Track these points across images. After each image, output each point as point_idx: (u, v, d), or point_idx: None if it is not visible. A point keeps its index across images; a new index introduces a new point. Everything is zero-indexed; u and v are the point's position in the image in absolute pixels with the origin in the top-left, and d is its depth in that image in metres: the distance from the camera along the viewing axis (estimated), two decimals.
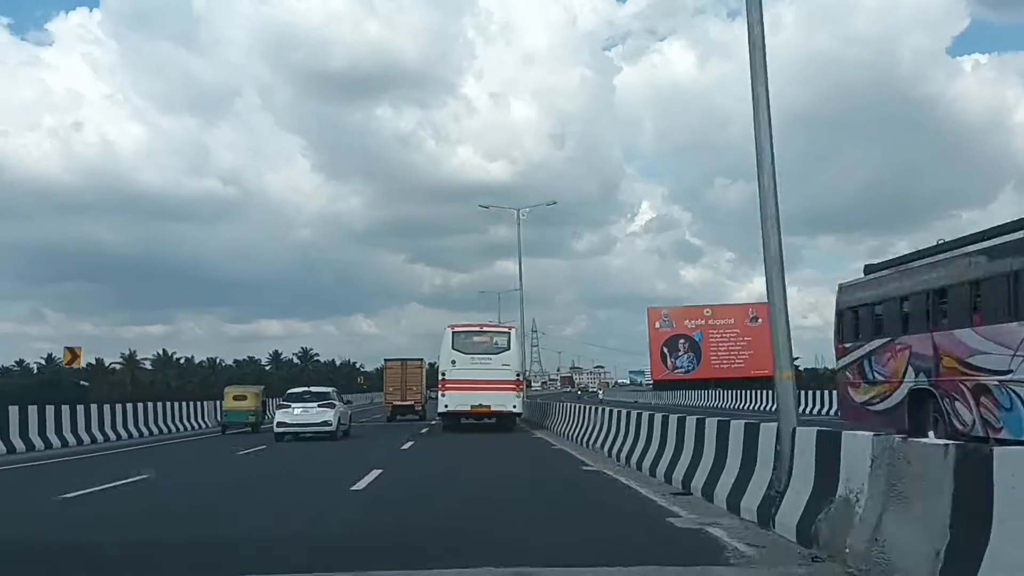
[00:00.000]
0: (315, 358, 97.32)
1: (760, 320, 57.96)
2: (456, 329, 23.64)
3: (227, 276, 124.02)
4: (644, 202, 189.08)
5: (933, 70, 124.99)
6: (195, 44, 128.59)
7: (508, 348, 23.60)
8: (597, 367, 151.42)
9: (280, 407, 21.36)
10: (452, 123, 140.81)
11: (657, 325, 63.65)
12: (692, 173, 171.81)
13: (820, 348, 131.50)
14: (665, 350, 62.27)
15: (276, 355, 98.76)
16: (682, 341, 62.00)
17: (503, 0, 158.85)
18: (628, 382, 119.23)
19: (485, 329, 24.15)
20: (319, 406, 20.54)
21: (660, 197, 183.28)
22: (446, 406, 22.87)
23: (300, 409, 20.43)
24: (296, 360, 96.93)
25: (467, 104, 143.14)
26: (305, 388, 22.33)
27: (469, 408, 22.93)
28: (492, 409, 23.08)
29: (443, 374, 23.04)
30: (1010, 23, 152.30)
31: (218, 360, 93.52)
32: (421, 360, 34.17)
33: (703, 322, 63.23)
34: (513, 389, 23.33)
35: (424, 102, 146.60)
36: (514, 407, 23.38)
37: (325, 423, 20.23)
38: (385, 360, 35.06)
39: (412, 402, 32.21)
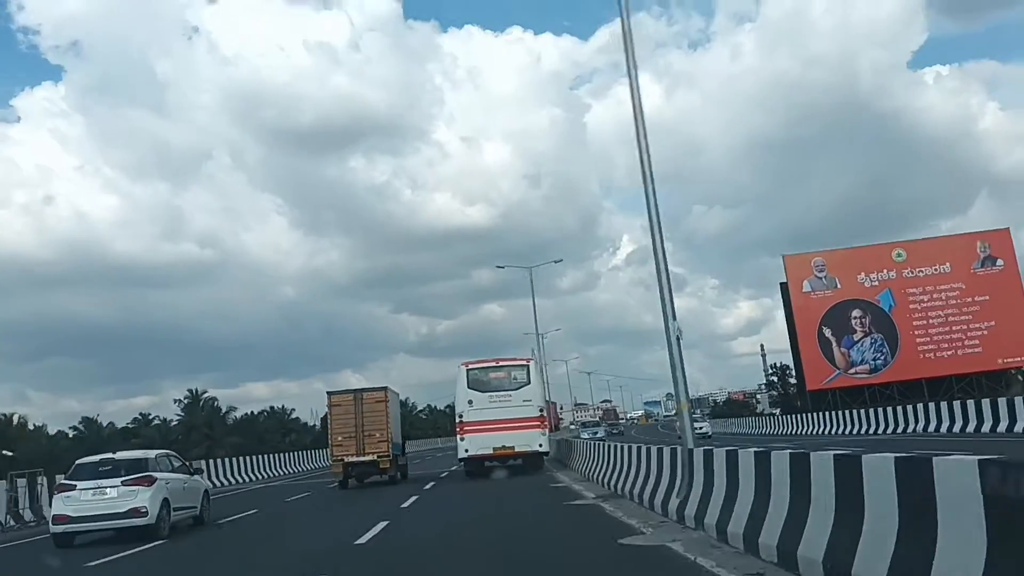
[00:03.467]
0: (292, 415, 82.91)
1: (1001, 263, 40.62)
2: (471, 366, 22.26)
3: (210, 340, 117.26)
4: (624, 235, 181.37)
5: (895, 85, 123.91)
6: (162, 109, 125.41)
7: (528, 382, 21.89)
8: (604, 401, 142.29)
9: (60, 488, 13.30)
10: (427, 170, 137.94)
11: (806, 287, 42.25)
12: (669, 203, 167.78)
13: None
14: (826, 332, 41.59)
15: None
16: (857, 313, 41.41)
17: (467, 45, 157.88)
18: (642, 413, 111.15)
19: (501, 364, 22.47)
20: (124, 483, 12.85)
21: (640, 229, 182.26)
22: (467, 451, 21.67)
23: (92, 491, 12.82)
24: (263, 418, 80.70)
25: (440, 150, 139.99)
26: (107, 456, 14.05)
27: (492, 451, 21.56)
28: (516, 450, 21.59)
29: (460, 416, 21.86)
30: (967, 33, 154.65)
31: None
32: (384, 391, 22.59)
33: (892, 273, 41.11)
34: (537, 426, 21.61)
35: (397, 150, 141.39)
36: (540, 446, 21.70)
37: (135, 512, 12.63)
38: (328, 395, 22.63)
39: (374, 456, 21.54)
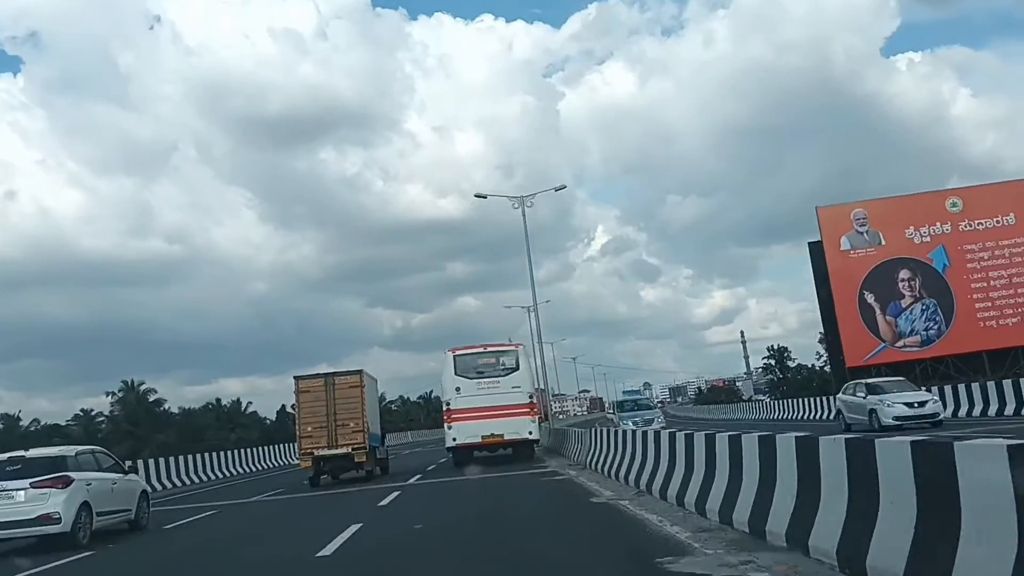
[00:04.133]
0: (248, 409, 75.89)
1: None
2: (457, 352, 21.62)
3: (182, 337, 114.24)
4: (599, 226, 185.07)
5: (869, 71, 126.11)
6: (126, 101, 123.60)
7: (517, 368, 21.20)
8: (582, 391, 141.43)
9: None
10: (398, 161, 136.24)
11: (844, 244, 36.28)
12: (643, 193, 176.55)
13: None
14: (868, 297, 35.96)
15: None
16: (905, 274, 35.79)
17: (437, 33, 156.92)
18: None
19: (489, 349, 21.79)
20: (34, 485, 11.41)
21: (614, 219, 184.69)
22: (454, 439, 21.10)
23: None
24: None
25: (412, 140, 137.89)
26: (15, 454, 12.52)
27: (480, 439, 20.97)
28: (506, 439, 20.98)
29: (447, 404, 21.28)
30: (939, 19, 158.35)
31: None
32: (359, 375, 20.21)
33: (947, 226, 35.51)
34: (527, 413, 20.92)
35: (368, 141, 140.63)
36: (530, 433, 21.02)
37: (45, 518, 11.29)
38: (295, 380, 20.25)
39: (348, 448, 19.31)
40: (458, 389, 21.17)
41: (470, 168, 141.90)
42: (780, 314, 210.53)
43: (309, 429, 19.56)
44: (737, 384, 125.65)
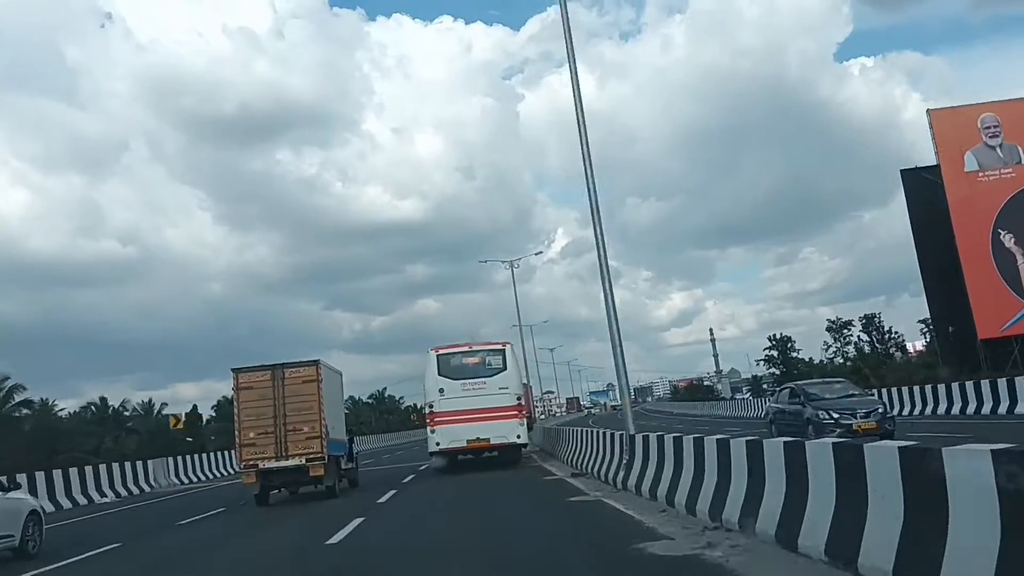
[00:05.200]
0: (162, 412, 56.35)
1: None
2: (441, 352, 20.29)
3: (136, 340, 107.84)
4: (559, 228, 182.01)
5: (822, 76, 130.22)
6: (74, 99, 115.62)
7: (504, 368, 19.95)
8: (547, 392, 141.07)
9: None
10: (357, 162, 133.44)
11: (970, 163, 27.13)
12: (603, 194, 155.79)
13: (738, 360, 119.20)
14: (1005, 239, 26.96)
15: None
16: None
17: (396, 34, 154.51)
18: (591, 405, 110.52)
19: (475, 348, 20.42)
20: None
21: (574, 221, 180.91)
22: (437, 444, 19.79)
23: None
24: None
25: (371, 141, 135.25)
26: None
27: (465, 443, 19.65)
28: (492, 443, 19.69)
29: (431, 406, 19.93)
30: (891, 25, 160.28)
31: None
32: (315, 366, 16.11)
33: None
34: (515, 416, 19.68)
35: (326, 142, 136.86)
36: (518, 437, 19.75)
37: None
38: (234, 373, 16.06)
39: (301, 460, 15.49)
40: (441, 391, 19.89)
41: (430, 170, 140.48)
42: (737, 316, 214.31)
43: (251, 436, 15.54)
44: (706, 382, 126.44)
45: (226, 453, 33.28)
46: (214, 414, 63.08)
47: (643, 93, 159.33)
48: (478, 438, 19.46)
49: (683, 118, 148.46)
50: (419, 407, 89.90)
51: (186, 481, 29.91)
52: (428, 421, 19.90)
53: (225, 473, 32.30)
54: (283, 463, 15.53)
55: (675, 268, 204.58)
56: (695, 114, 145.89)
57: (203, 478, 31.37)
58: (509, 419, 19.50)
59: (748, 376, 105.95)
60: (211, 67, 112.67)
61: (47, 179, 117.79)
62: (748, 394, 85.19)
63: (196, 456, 32.97)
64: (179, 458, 31.13)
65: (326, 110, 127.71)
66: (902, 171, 31.97)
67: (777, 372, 79.04)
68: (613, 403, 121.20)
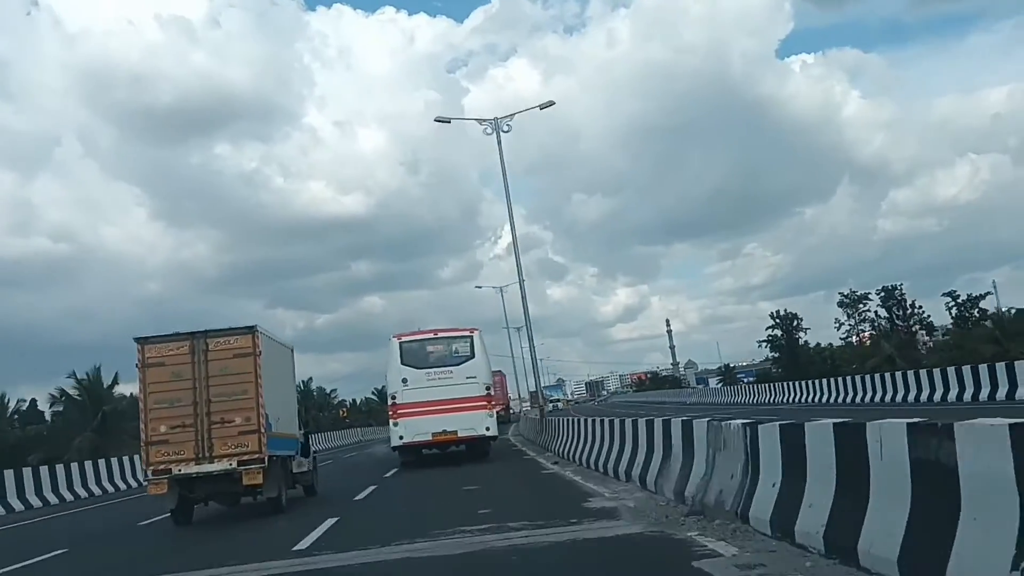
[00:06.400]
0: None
1: None
2: (404, 339, 19.21)
3: (70, 341, 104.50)
4: (505, 224, 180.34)
5: (764, 73, 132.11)
6: (2, 92, 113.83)
7: (472, 356, 18.97)
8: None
9: None
10: (299, 156, 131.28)
11: None
12: (549, 191, 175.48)
13: (683, 354, 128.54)
14: None
15: None
16: None
17: (337, 24, 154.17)
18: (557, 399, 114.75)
19: (441, 335, 19.39)
20: None
21: (520, 218, 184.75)
22: (401, 437, 18.71)
23: None
24: None
25: (312, 135, 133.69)
26: None
27: (431, 437, 18.64)
28: (459, 435, 18.69)
29: (393, 397, 18.84)
30: (832, 23, 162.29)
31: None
32: (252, 333, 12.15)
33: None
34: (484, 407, 18.76)
35: (266, 136, 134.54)
36: (487, 429, 18.82)
37: None
38: (138, 344, 12.13)
39: (231, 462, 11.74)
40: (404, 381, 18.76)
41: (374, 164, 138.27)
42: (681, 311, 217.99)
43: (163, 430, 11.67)
44: (661, 374, 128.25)
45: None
46: None
47: (588, 88, 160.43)
48: (444, 431, 18.48)
49: (628, 113, 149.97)
50: (357, 403, 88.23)
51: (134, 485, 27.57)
52: (391, 413, 18.84)
53: None
54: (206, 467, 11.67)
55: (621, 264, 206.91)
56: (640, 110, 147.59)
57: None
58: (477, 410, 18.58)
59: (718, 366, 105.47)
60: (144, 58, 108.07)
61: None
62: (718, 384, 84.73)
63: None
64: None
65: (266, 103, 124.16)
66: None
67: (774, 357, 67.46)
68: (570, 399, 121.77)
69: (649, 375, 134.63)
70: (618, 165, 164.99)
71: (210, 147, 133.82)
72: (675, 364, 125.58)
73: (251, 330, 12.22)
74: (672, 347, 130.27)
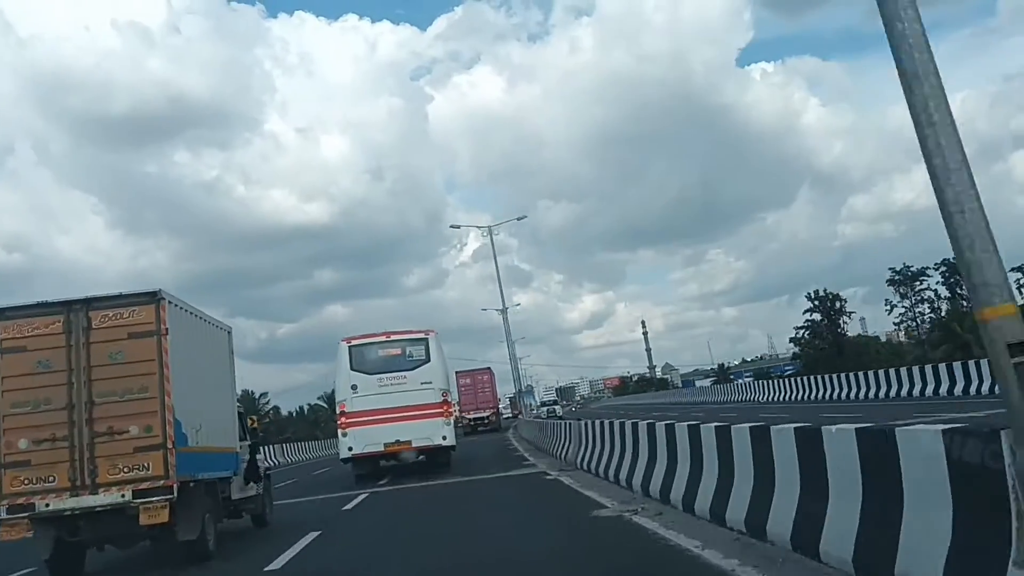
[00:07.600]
0: None
1: None
2: (354, 343, 17.89)
3: None
4: (470, 232, 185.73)
5: (725, 81, 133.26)
6: None
7: (427, 360, 17.68)
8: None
9: None
10: (260, 164, 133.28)
11: None
12: (514, 198, 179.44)
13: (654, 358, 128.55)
14: None
15: None
16: None
17: (298, 31, 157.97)
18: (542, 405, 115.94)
19: (393, 338, 18.08)
20: None
21: (486, 224, 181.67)
22: (350, 448, 17.39)
23: None
24: None
25: (274, 142, 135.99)
26: None
27: (383, 447, 17.33)
28: (413, 445, 17.35)
29: (342, 405, 17.43)
30: (791, 32, 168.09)
31: None
32: (156, 303, 8.53)
33: None
34: (439, 414, 17.48)
35: (226, 143, 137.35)
36: (444, 439, 17.52)
37: None
38: None
39: (122, 491, 8.17)
40: (354, 387, 17.44)
41: (337, 172, 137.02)
42: (647, 317, 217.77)
43: (22, 445, 8.25)
44: (634, 378, 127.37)
45: None
46: None
47: (552, 95, 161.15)
48: (397, 441, 17.18)
49: (592, 121, 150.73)
50: (294, 413, 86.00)
51: None
52: (339, 423, 17.47)
53: None
54: (86, 501, 8.20)
55: (586, 271, 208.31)
56: (603, 117, 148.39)
57: None
58: (433, 418, 17.30)
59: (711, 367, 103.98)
60: (100, 64, 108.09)
61: None
62: (709, 382, 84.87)
63: None
64: None
65: (225, 109, 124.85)
66: None
67: (811, 352, 50.19)
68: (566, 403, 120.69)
69: (632, 378, 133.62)
70: (583, 171, 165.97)
71: (168, 154, 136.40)
72: (652, 367, 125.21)
73: (154, 297, 8.63)
74: (648, 350, 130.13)
